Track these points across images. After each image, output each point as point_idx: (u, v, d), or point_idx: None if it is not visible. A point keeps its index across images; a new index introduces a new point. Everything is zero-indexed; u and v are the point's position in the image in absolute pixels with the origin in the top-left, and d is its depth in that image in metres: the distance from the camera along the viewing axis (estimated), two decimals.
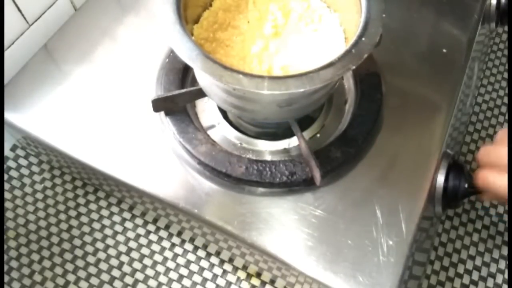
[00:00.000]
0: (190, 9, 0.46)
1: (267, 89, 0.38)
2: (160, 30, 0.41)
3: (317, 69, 0.39)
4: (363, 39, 0.40)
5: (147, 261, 0.56)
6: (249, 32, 0.47)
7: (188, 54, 0.39)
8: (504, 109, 0.72)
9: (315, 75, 0.38)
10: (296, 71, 0.44)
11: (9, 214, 0.58)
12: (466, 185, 0.49)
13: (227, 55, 0.46)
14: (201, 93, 0.51)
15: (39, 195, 0.60)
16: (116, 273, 0.56)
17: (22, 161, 0.62)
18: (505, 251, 0.60)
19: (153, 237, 0.58)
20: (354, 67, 0.39)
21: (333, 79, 0.39)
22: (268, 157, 0.50)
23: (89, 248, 0.57)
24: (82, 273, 0.55)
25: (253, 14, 0.48)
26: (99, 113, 0.53)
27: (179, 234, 0.57)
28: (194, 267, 0.56)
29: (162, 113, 0.51)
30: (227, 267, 0.56)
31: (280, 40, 0.47)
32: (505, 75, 0.75)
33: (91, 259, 0.56)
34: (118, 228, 0.58)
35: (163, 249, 0.57)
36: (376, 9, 0.42)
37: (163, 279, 0.55)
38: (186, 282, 0.55)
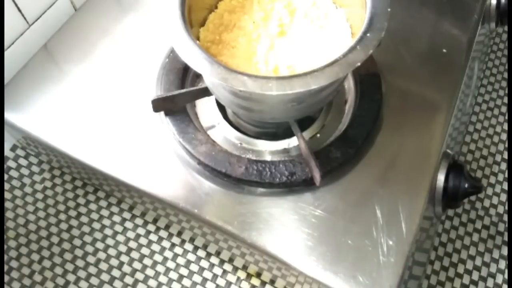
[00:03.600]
0: (196, 13, 0.46)
1: (272, 90, 0.37)
2: (165, 35, 0.41)
3: (322, 67, 0.38)
4: (368, 34, 0.39)
5: (147, 261, 0.56)
6: (254, 32, 0.47)
7: (194, 59, 0.39)
8: (504, 109, 0.72)
9: (320, 73, 0.38)
10: (302, 70, 0.44)
11: (9, 214, 0.58)
12: (466, 185, 0.49)
13: (233, 57, 0.46)
14: (201, 93, 0.51)
15: (39, 195, 0.60)
16: (116, 273, 0.56)
17: (22, 161, 0.62)
18: (505, 251, 0.60)
19: (153, 237, 0.58)
20: (359, 64, 0.38)
21: (338, 76, 0.38)
22: (268, 157, 0.50)
23: (89, 248, 0.57)
24: (82, 273, 0.55)
25: (258, 14, 0.48)
26: (99, 113, 0.53)
27: (179, 234, 0.57)
28: (194, 267, 0.56)
29: (162, 113, 0.51)
30: (227, 267, 0.56)
31: (286, 39, 0.47)
32: (505, 75, 0.75)
33: (91, 259, 0.56)
34: (118, 228, 0.58)
35: (163, 249, 0.57)
36: (382, 3, 0.41)
37: (163, 279, 0.55)
38: (186, 282, 0.55)
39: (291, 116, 0.47)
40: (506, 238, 0.61)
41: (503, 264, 0.59)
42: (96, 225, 0.58)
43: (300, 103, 0.43)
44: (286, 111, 0.44)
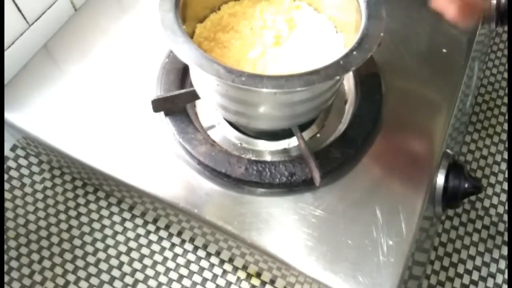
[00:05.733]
0: (194, 8, 0.47)
1: (243, 83, 0.38)
2: (159, 31, 0.41)
3: (301, 74, 0.38)
4: (354, 53, 0.40)
5: (147, 261, 0.56)
6: (250, 38, 0.48)
7: (185, 53, 0.39)
8: (504, 109, 0.72)
9: (295, 78, 0.38)
10: None
11: (9, 214, 0.58)
12: (466, 185, 0.49)
13: (223, 56, 0.46)
14: None
15: (39, 195, 0.60)
16: (116, 273, 0.56)
17: (22, 161, 0.62)
18: (505, 251, 0.60)
19: (153, 237, 0.58)
20: (339, 78, 0.39)
21: (312, 84, 0.38)
22: (268, 157, 0.50)
23: (89, 248, 0.57)
24: (82, 273, 0.55)
25: (257, 22, 0.49)
26: (99, 113, 0.53)
27: (179, 234, 0.57)
28: (194, 267, 0.56)
29: (162, 113, 0.51)
30: (227, 267, 0.56)
31: (279, 49, 0.47)
32: (505, 75, 0.75)
33: (91, 259, 0.56)
34: (118, 228, 0.58)
35: (163, 249, 0.57)
36: (374, 28, 0.42)
37: (163, 279, 0.55)
38: (186, 282, 0.55)
39: (279, 125, 0.47)
40: (506, 238, 0.61)
41: (503, 264, 0.59)
42: (96, 225, 0.58)
43: (289, 109, 0.43)
44: (273, 118, 0.45)
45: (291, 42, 0.48)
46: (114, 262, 0.56)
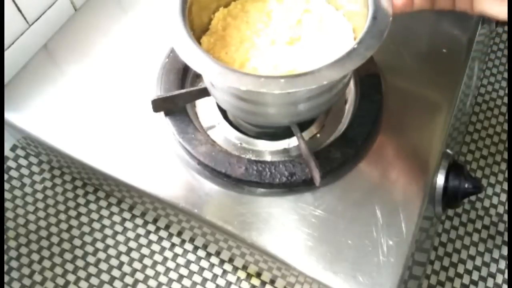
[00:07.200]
0: None
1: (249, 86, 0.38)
2: (170, 41, 0.41)
3: (283, 76, 0.38)
4: (335, 65, 0.39)
5: (147, 261, 0.56)
6: (260, 23, 0.47)
7: (195, 61, 0.39)
8: (504, 109, 0.72)
9: (273, 81, 0.38)
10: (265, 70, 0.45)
11: (9, 214, 0.58)
12: (466, 185, 0.49)
13: (224, 45, 0.46)
14: (201, 93, 0.51)
15: (39, 195, 0.60)
16: (116, 273, 0.56)
17: (22, 161, 0.62)
18: (505, 251, 0.60)
19: (153, 237, 0.58)
20: (325, 82, 0.38)
21: (288, 89, 0.38)
22: (268, 157, 0.50)
23: (89, 248, 0.57)
24: (82, 273, 0.55)
25: (273, 6, 0.49)
26: (99, 113, 0.53)
27: (179, 234, 0.57)
28: (194, 267, 0.56)
29: (162, 113, 0.51)
30: (227, 267, 0.56)
31: (276, 46, 0.47)
32: (505, 75, 0.75)
33: (91, 259, 0.56)
34: (118, 228, 0.58)
35: (163, 249, 0.57)
36: (368, 45, 0.40)
37: (163, 279, 0.55)
38: (186, 282, 0.55)
39: (293, 121, 0.47)
40: (506, 238, 0.61)
41: (503, 264, 0.59)
42: (96, 225, 0.58)
43: (298, 106, 0.43)
44: (288, 114, 0.44)
45: (304, 35, 0.47)
46: (114, 262, 0.56)
